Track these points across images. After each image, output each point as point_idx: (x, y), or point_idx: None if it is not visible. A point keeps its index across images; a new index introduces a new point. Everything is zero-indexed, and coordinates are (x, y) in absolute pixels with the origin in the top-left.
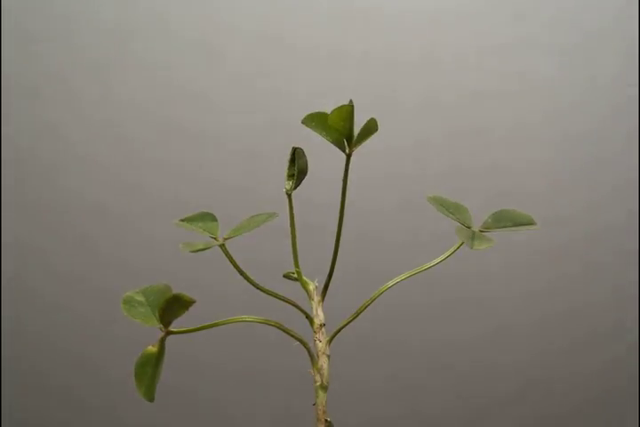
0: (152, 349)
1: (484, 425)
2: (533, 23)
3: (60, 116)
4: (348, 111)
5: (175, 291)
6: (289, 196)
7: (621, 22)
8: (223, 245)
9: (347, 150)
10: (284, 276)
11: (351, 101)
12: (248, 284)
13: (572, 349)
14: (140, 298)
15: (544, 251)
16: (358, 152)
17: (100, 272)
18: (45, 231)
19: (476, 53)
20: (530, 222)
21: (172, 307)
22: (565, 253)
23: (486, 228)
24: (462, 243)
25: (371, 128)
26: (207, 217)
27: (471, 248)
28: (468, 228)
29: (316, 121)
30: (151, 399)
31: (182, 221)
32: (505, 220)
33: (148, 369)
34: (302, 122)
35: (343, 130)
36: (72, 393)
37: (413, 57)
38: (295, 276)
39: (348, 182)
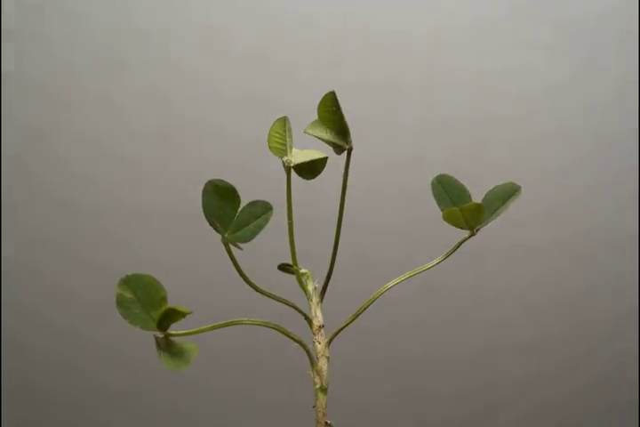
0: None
1: None
2: (533, 21)
3: (59, 116)
4: (331, 99)
5: (173, 294)
6: (289, 170)
7: (622, 20)
8: (229, 248)
9: (346, 145)
10: (279, 267)
11: (333, 91)
12: (246, 284)
13: (572, 349)
14: (129, 295)
15: (545, 252)
16: (357, 153)
17: (98, 273)
18: (44, 232)
19: (478, 57)
20: (514, 190)
21: (168, 317)
22: (566, 254)
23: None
24: (460, 243)
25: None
26: (232, 196)
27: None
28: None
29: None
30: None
31: (213, 183)
32: (493, 202)
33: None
34: (305, 131)
35: (334, 123)
36: (71, 396)
37: (414, 56)
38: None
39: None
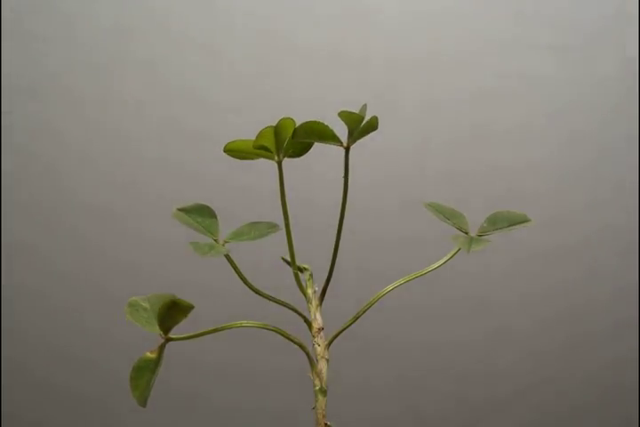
0: (150, 355)
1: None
2: (533, 22)
3: (60, 116)
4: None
5: (174, 293)
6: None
7: (621, 20)
8: (228, 255)
9: (344, 144)
10: (283, 259)
11: (365, 106)
12: (246, 287)
13: (572, 349)
14: (146, 304)
15: (544, 251)
16: (358, 155)
17: (99, 274)
18: (45, 231)
19: (476, 53)
20: (524, 220)
21: (170, 313)
22: (566, 253)
23: (483, 232)
24: (459, 249)
25: (372, 125)
26: (205, 211)
27: (467, 252)
28: (466, 233)
29: (307, 130)
30: (144, 404)
31: (180, 210)
32: (500, 221)
33: (145, 374)
34: (294, 138)
35: (349, 124)
36: (72, 395)
37: (413, 57)
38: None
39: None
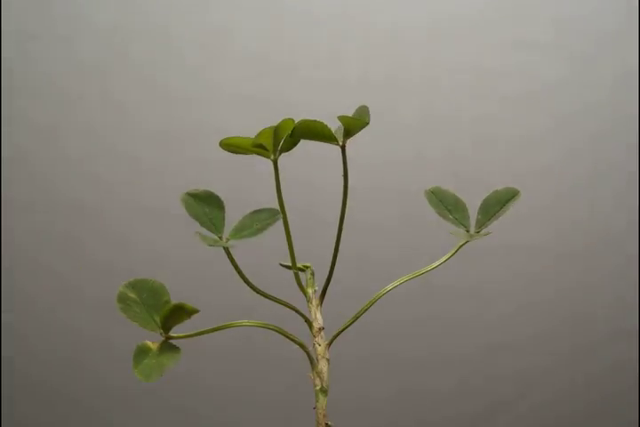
0: (150, 345)
1: None
2: (536, 26)
3: (60, 116)
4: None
5: (174, 294)
6: (274, 162)
7: (624, 25)
8: (229, 253)
9: (340, 142)
10: (281, 264)
11: (366, 107)
12: (247, 287)
13: (572, 352)
14: (133, 295)
15: (543, 251)
16: (357, 153)
17: (100, 273)
18: (43, 232)
19: (477, 55)
20: (513, 194)
21: (174, 315)
22: (566, 255)
23: (480, 225)
24: (460, 246)
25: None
26: (214, 200)
27: (469, 240)
28: (466, 229)
29: (304, 129)
30: (147, 380)
31: (189, 195)
32: (492, 205)
33: (145, 358)
34: (292, 136)
35: (349, 127)
36: (71, 398)
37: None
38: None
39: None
